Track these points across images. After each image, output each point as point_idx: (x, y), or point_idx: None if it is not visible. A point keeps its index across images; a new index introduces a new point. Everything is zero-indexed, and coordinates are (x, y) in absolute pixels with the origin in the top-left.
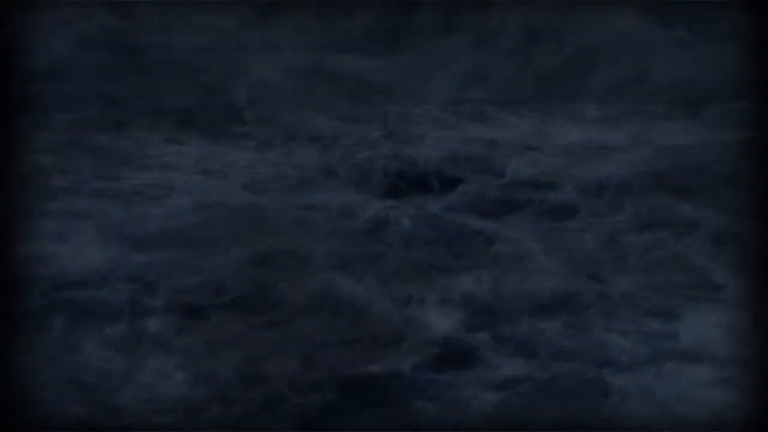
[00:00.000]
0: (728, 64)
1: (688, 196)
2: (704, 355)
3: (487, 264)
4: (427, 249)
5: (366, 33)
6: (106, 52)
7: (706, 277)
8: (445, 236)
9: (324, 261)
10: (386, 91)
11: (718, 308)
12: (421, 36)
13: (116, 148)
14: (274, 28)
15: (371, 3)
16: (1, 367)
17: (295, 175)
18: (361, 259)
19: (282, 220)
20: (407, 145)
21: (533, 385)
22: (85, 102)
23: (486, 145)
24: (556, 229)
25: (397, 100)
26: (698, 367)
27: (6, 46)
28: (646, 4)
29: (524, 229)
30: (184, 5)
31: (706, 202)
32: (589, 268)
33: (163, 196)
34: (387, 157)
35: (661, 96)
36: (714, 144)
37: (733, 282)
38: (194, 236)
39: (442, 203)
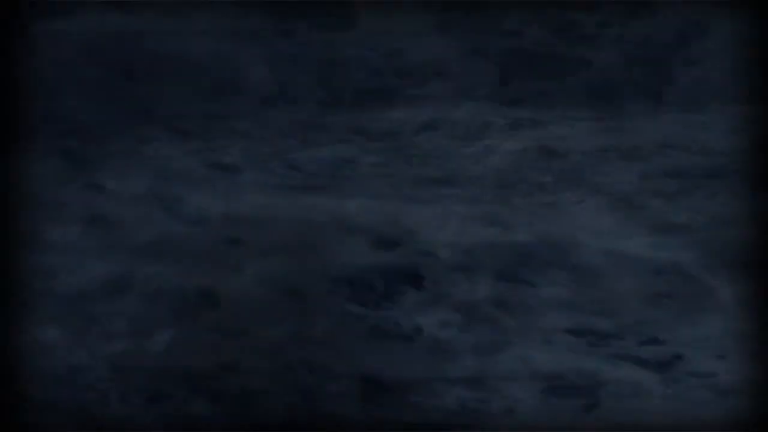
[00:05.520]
0: (729, 64)
1: (687, 198)
2: (704, 360)
3: None
4: None
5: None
6: (109, 56)
7: (705, 283)
8: None
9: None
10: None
11: (718, 314)
12: None
13: (121, 153)
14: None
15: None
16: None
17: (307, 180)
18: None
19: (295, 225)
20: None
21: None
22: (86, 108)
23: None
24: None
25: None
26: (697, 371)
27: (6, 50)
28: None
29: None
30: (191, 5)
31: (706, 205)
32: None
33: (170, 204)
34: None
35: (660, 97)
36: (714, 145)
37: (733, 288)
38: (202, 244)
39: None
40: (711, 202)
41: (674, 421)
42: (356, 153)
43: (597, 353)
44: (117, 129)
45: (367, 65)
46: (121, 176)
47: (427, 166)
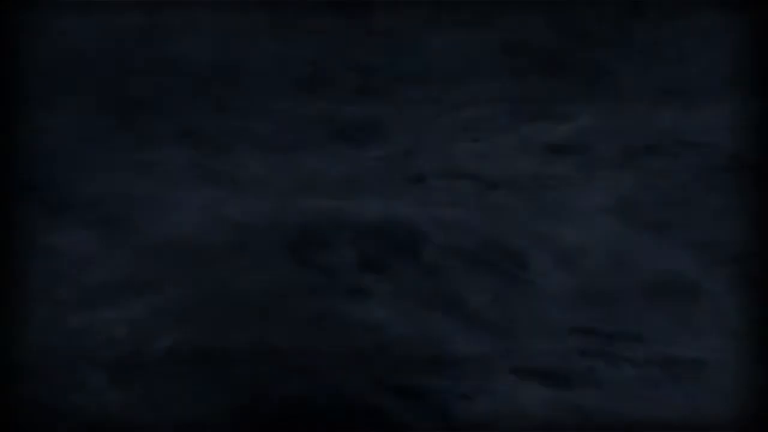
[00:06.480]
0: (731, 61)
1: (683, 200)
2: (702, 362)
3: None
4: None
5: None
6: (111, 56)
7: (702, 284)
8: None
9: None
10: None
11: (717, 314)
12: None
13: (121, 155)
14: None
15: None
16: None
17: (311, 176)
18: None
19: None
20: None
21: None
22: (89, 107)
23: None
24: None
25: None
26: (696, 370)
27: (9, 47)
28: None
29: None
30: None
31: (704, 207)
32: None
33: (172, 207)
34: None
35: (661, 95)
36: (713, 144)
37: (732, 287)
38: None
39: None
40: (711, 201)
41: (673, 421)
42: (359, 150)
43: (595, 353)
44: (121, 128)
45: (375, 61)
46: (124, 175)
47: (426, 162)
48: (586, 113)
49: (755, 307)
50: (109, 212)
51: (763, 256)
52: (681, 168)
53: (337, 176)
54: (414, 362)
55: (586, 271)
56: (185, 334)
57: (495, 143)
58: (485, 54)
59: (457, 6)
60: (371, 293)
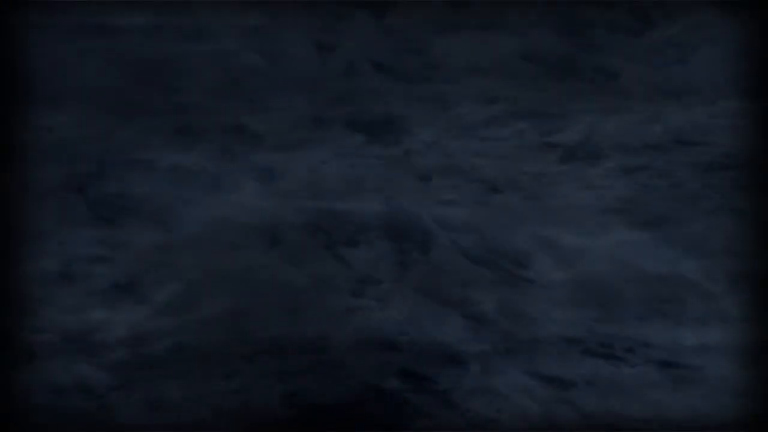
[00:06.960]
0: (726, 63)
1: (684, 200)
2: (702, 362)
3: None
4: None
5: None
6: (112, 58)
7: (702, 284)
8: None
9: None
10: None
11: (718, 314)
12: None
13: (125, 157)
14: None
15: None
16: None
17: (315, 174)
18: None
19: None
20: None
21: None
22: (90, 108)
23: None
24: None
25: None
26: (696, 371)
27: (8, 49)
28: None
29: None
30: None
31: (704, 206)
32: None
33: (178, 210)
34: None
35: (663, 95)
36: (713, 144)
37: (731, 290)
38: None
39: None
40: (712, 201)
41: (673, 421)
42: (364, 146)
43: (595, 352)
44: (123, 129)
45: (384, 60)
46: (126, 176)
47: (431, 162)
48: (587, 113)
49: (755, 307)
50: (116, 211)
51: (762, 256)
52: (681, 168)
53: (342, 175)
54: (415, 359)
55: (587, 271)
56: (196, 333)
57: (498, 143)
58: (492, 56)
59: (464, 8)
60: (372, 290)
